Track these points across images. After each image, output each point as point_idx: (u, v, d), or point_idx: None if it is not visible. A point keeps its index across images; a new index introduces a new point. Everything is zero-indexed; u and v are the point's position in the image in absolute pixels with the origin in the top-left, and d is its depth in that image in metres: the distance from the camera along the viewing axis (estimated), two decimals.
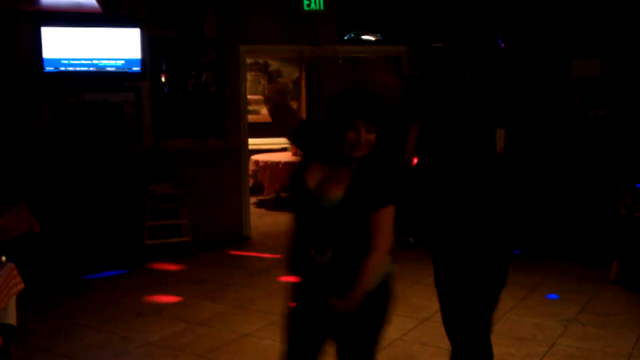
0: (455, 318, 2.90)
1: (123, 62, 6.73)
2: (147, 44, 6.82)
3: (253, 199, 8.80)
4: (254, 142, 8.55)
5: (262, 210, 9.23)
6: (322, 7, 7.07)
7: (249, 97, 8.27)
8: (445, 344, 4.31)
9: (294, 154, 9.27)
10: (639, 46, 6.60)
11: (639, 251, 5.46)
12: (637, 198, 5.59)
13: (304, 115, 10.69)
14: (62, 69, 6.58)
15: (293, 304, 2.53)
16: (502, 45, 7.22)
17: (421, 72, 2.98)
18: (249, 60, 8.97)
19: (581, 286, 5.59)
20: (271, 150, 10.05)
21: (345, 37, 7.29)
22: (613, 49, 6.73)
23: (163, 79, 6.97)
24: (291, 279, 2.54)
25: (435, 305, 4.99)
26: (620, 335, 4.48)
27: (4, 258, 3.83)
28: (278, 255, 6.77)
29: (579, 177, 6.93)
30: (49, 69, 6.53)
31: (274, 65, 10.55)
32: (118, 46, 6.70)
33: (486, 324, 2.91)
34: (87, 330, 4.69)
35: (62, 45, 6.55)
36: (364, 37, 7.31)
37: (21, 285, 3.66)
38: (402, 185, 2.40)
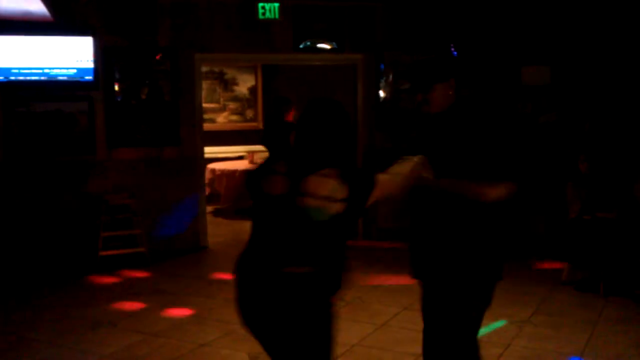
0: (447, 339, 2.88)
1: (75, 71, 6.62)
2: (100, 52, 6.71)
3: (210, 208, 8.73)
4: (210, 151, 8.49)
5: (219, 219, 9.17)
6: (277, 16, 7.09)
7: (204, 105, 8.21)
8: (403, 348, 4.37)
9: (250, 162, 9.25)
10: (587, 54, 6.79)
11: (590, 253, 5.61)
12: (585, 201, 5.72)
13: (260, 122, 10.70)
14: (12, 78, 6.42)
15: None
16: (455, 53, 7.34)
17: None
18: (204, 69, 8.92)
19: (534, 288, 5.71)
20: (227, 158, 10.00)
21: (301, 46, 7.33)
22: (562, 57, 6.91)
23: (117, 88, 6.87)
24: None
25: (392, 310, 5.08)
26: (572, 335, 4.60)
27: None
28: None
29: (528, 181, 7.07)
30: None
31: (229, 73, 10.53)
32: (70, 55, 6.58)
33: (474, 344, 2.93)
34: (38, 344, 4.58)
35: (11, 54, 6.39)
36: (320, 45, 7.37)
37: None
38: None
